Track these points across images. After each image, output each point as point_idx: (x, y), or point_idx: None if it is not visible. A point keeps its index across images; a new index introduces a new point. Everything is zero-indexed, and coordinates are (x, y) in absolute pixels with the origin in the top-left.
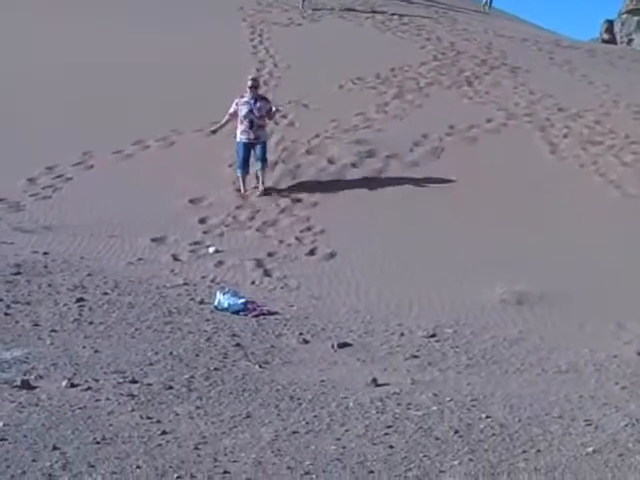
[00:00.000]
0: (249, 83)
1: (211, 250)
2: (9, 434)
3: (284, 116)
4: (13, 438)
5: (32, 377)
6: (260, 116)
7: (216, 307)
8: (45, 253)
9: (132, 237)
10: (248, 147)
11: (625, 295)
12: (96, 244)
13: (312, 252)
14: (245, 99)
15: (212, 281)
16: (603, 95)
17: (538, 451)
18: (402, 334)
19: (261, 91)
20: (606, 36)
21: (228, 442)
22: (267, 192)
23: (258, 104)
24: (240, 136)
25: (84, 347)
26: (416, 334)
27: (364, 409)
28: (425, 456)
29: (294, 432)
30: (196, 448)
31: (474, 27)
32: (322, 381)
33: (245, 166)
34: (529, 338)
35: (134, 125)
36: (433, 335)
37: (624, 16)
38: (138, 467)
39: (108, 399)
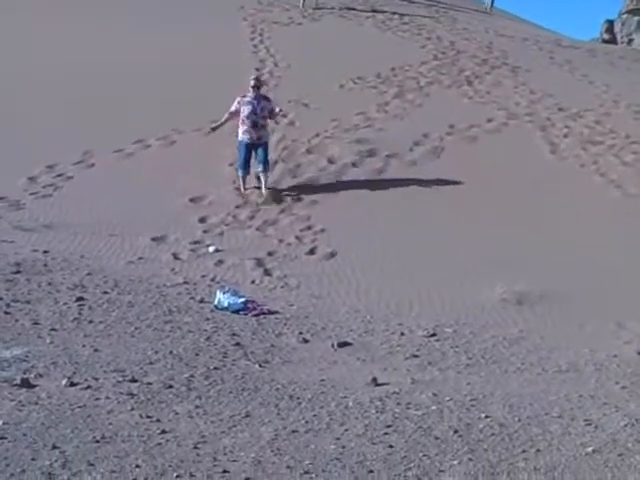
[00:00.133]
0: (252, 82)
1: (211, 249)
2: (9, 433)
3: (284, 115)
4: (13, 437)
5: (32, 376)
6: (263, 116)
7: (216, 306)
8: (45, 252)
9: (132, 236)
10: (250, 147)
11: (625, 295)
12: (96, 243)
13: (312, 251)
14: (248, 98)
15: (212, 280)
16: (603, 95)
17: (538, 451)
18: (402, 333)
19: (262, 90)
20: (606, 36)
21: (228, 441)
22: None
23: (261, 104)
24: (242, 136)
25: (84, 346)
26: (416, 333)
27: (364, 408)
28: (425, 455)
29: (294, 431)
30: (195, 447)
31: (474, 26)
32: (322, 380)
33: (246, 166)
34: (529, 338)
35: (135, 124)
36: (433, 335)
37: (624, 16)
38: (137, 466)
39: (108, 398)
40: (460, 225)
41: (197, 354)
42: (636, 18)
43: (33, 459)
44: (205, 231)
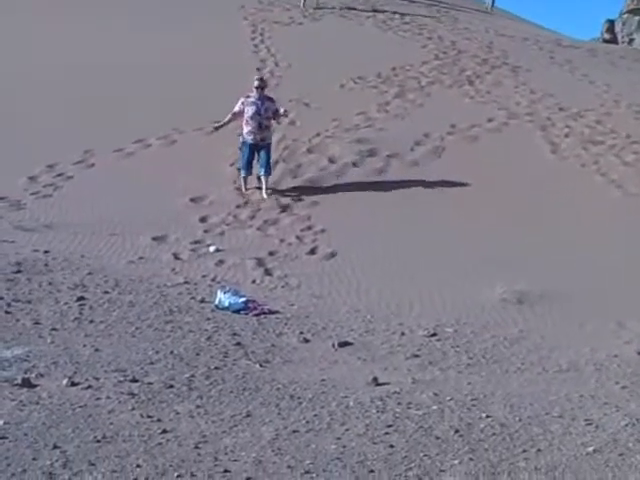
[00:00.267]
0: (256, 83)
1: (212, 249)
2: (10, 432)
3: (285, 116)
4: (14, 436)
5: (33, 375)
6: (267, 117)
7: (217, 306)
8: (46, 251)
9: (133, 236)
10: (253, 148)
11: (626, 294)
12: (97, 242)
13: (313, 251)
14: (252, 99)
15: (213, 280)
16: (604, 95)
17: (538, 450)
18: (403, 333)
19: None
20: (607, 36)
21: (228, 441)
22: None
23: (265, 104)
24: (246, 136)
25: (85, 346)
26: (417, 333)
27: (364, 408)
28: (425, 455)
29: (294, 431)
30: (196, 447)
31: (475, 26)
32: (322, 380)
33: (249, 167)
34: (530, 337)
35: (135, 124)
36: (434, 334)
37: (625, 16)
38: (138, 466)
39: (108, 398)
40: (460, 225)
41: (198, 354)
42: (637, 18)
43: (34, 459)
44: (206, 231)
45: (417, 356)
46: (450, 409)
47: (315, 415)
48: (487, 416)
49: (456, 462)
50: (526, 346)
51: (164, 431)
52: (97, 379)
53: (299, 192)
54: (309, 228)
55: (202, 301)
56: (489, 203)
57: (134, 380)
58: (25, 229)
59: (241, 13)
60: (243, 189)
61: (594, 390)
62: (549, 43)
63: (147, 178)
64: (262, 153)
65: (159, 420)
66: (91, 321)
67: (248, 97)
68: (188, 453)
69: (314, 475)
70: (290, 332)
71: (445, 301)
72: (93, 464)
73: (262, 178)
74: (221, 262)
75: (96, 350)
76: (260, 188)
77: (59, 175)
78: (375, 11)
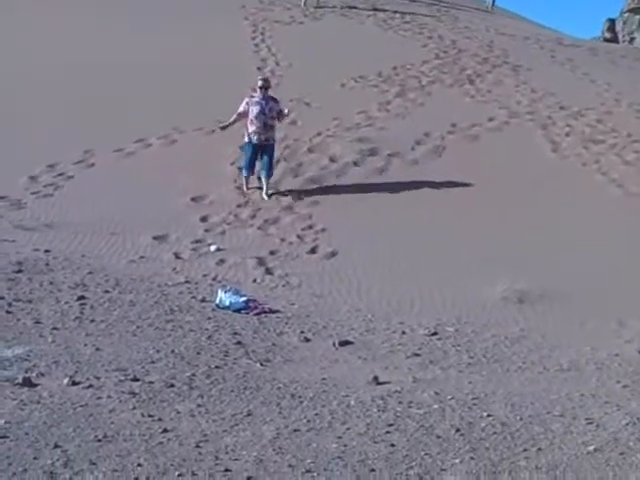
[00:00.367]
0: (259, 83)
1: (213, 248)
2: (10, 432)
3: (286, 116)
4: (14, 436)
5: (33, 375)
6: (271, 117)
7: (217, 305)
8: (46, 251)
9: (134, 235)
10: (257, 148)
11: (626, 293)
12: (97, 242)
13: (313, 250)
14: (256, 99)
15: (214, 279)
16: (605, 93)
17: (539, 449)
18: (403, 332)
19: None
20: (608, 35)
21: (229, 440)
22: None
23: (269, 104)
24: (251, 136)
25: (85, 345)
26: (417, 332)
27: (365, 407)
28: (426, 454)
29: (295, 430)
30: (197, 446)
31: (476, 25)
32: (323, 379)
33: (251, 167)
34: (530, 336)
35: (135, 123)
36: (434, 333)
37: (626, 15)
38: (139, 465)
39: (109, 397)
40: (461, 223)
41: (199, 353)
42: (638, 17)
43: (35, 458)
44: (206, 230)
45: (418, 355)
46: (451, 408)
47: (316, 414)
48: (488, 415)
49: (457, 461)
50: (527, 345)
51: (165, 430)
52: (98, 378)
53: (300, 191)
54: (310, 227)
55: (203, 300)
56: (490, 202)
57: (135, 379)
58: (26, 228)
59: (242, 12)
60: (244, 188)
61: (595, 389)
62: (550, 42)
63: (147, 178)
64: (265, 154)
65: (160, 419)
66: (92, 320)
67: (252, 97)
68: (189, 452)
69: (315, 474)
70: (291, 331)
71: (446, 300)
72: (94, 463)
73: (263, 179)
74: (222, 261)
75: (97, 349)
76: (261, 188)
77: (60, 175)
78: (376, 10)
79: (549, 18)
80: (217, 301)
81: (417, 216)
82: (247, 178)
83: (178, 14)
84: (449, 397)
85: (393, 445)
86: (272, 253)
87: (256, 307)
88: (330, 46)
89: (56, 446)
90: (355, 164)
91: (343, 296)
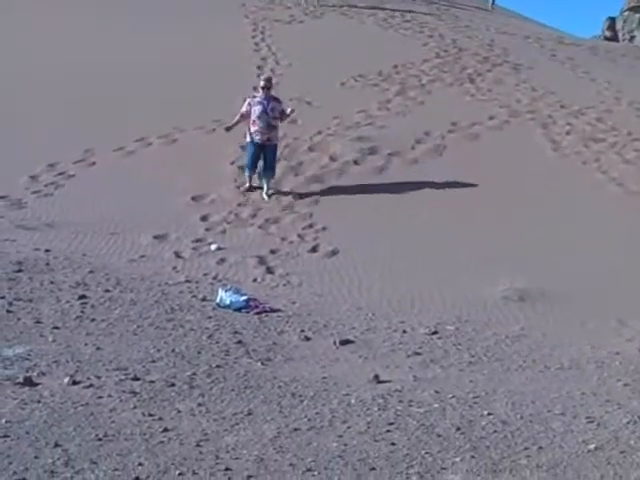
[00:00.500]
0: (262, 83)
1: (213, 247)
2: (11, 431)
3: (288, 115)
4: (15, 435)
5: (34, 374)
6: (274, 117)
7: (218, 304)
8: (47, 250)
9: (134, 234)
10: (259, 148)
11: (627, 292)
12: (98, 241)
13: (314, 249)
14: (258, 99)
15: (214, 278)
16: (605, 92)
17: (540, 448)
18: (404, 331)
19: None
20: (608, 33)
21: (230, 439)
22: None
23: (271, 104)
24: (253, 136)
25: (86, 344)
26: (418, 331)
27: (366, 406)
28: (427, 453)
29: (296, 429)
30: (198, 445)
31: (476, 24)
32: (324, 378)
33: (254, 166)
34: (531, 335)
35: (136, 123)
36: (435, 332)
37: (626, 13)
38: (140, 464)
39: (110, 396)
40: (462, 222)
41: (199, 352)
42: (638, 15)
43: (36, 457)
44: (207, 229)
45: (418, 354)
46: (452, 407)
47: (316, 413)
48: (489, 414)
49: (458, 460)
50: (527, 344)
51: (166, 429)
52: (98, 377)
53: (300, 190)
54: (310, 226)
55: (203, 299)
56: (490, 201)
57: (135, 378)
58: (26, 228)
59: (242, 11)
60: (247, 185)
61: (596, 388)
62: (550, 41)
63: (148, 177)
64: (267, 155)
65: (160, 418)
66: (92, 320)
67: (254, 97)
68: (190, 451)
69: (315, 473)
70: (291, 330)
71: (446, 299)
72: (95, 462)
73: (264, 179)
74: (222, 260)
75: (97, 348)
76: (261, 188)
77: (60, 174)
78: (376, 9)
79: (549, 17)
80: (218, 300)
81: (417, 215)
82: (250, 177)
83: (178, 14)
84: (450, 396)
85: (394, 444)
86: (273, 252)
87: (257, 306)
88: (330, 45)
89: (57, 445)
90: (355, 163)
91: (344, 295)
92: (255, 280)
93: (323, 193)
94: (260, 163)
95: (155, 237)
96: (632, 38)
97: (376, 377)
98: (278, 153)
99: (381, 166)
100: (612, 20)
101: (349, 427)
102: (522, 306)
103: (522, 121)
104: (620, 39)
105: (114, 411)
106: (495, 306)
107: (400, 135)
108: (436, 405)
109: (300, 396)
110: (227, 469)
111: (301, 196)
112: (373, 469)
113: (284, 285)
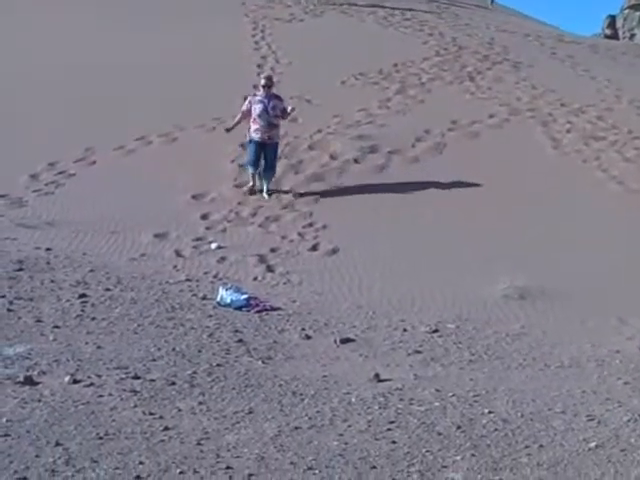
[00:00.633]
0: (263, 82)
1: (213, 246)
2: (12, 430)
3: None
4: (16, 434)
5: (35, 373)
6: (275, 115)
7: (219, 303)
8: (48, 249)
9: (134, 233)
10: (260, 146)
11: (627, 290)
12: (98, 240)
13: (314, 248)
14: (259, 97)
15: (215, 277)
16: (605, 90)
17: (540, 446)
18: (405, 330)
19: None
20: (608, 31)
21: (231, 438)
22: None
23: (272, 103)
24: (253, 134)
25: (87, 343)
26: (419, 330)
27: (367, 404)
28: (428, 451)
29: (297, 427)
30: (199, 444)
31: (476, 22)
32: (325, 376)
33: (256, 164)
34: (531, 333)
35: (136, 121)
36: (436, 331)
37: (626, 11)
38: (141, 463)
39: (111, 395)
40: (462, 221)
41: (200, 351)
42: (638, 13)
43: (37, 456)
44: (207, 228)
45: (419, 352)
46: (452, 405)
47: (317, 411)
48: (489, 412)
49: (458, 458)
50: (528, 342)
51: (166, 428)
52: (99, 376)
53: (300, 188)
54: (310, 225)
55: (204, 298)
56: (490, 199)
57: (136, 377)
58: (27, 227)
59: (242, 10)
60: (250, 185)
61: (596, 386)
62: (550, 39)
63: (148, 175)
64: (268, 154)
65: (161, 417)
66: (93, 318)
67: (255, 95)
68: (190, 450)
69: (316, 471)
70: (292, 329)
71: (447, 297)
72: (95, 461)
73: (264, 178)
74: (223, 259)
75: (98, 347)
76: (262, 190)
77: (60, 173)
78: (376, 7)
79: (549, 15)
80: (218, 299)
81: (418, 213)
82: (253, 175)
83: (178, 14)
84: (450, 394)
85: (394, 442)
86: (273, 251)
87: (257, 305)
88: (330, 43)
89: (57, 444)
90: (355, 161)
91: (344, 293)
92: (255, 279)
93: (323, 192)
94: (261, 162)
95: (155, 236)
96: (632, 36)
97: (377, 376)
98: (279, 151)
99: (381, 164)
100: (612, 18)
101: (350, 426)
102: (522, 304)
103: (522, 119)
104: (620, 37)
105: (115, 410)
106: (495, 304)
107: (400, 133)
108: (437, 403)
109: (301, 395)
110: (228, 468)
111: (301, 194)
112: (374, 467)
113: (284, 284)
